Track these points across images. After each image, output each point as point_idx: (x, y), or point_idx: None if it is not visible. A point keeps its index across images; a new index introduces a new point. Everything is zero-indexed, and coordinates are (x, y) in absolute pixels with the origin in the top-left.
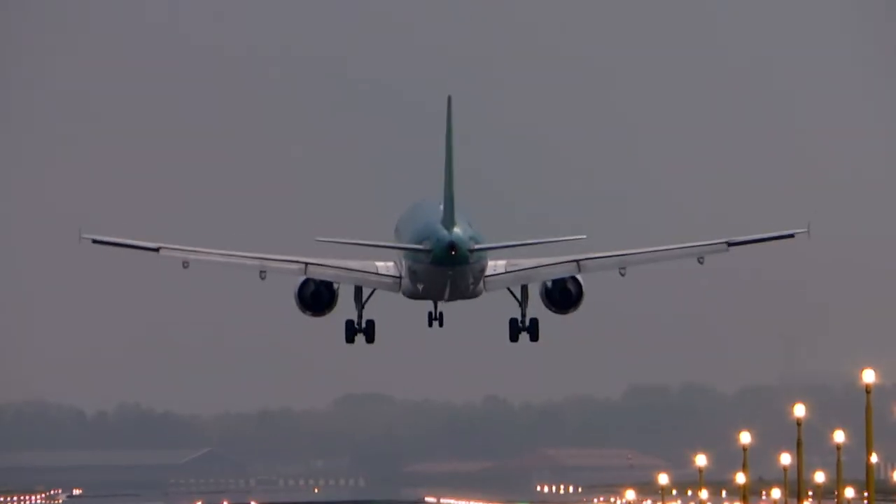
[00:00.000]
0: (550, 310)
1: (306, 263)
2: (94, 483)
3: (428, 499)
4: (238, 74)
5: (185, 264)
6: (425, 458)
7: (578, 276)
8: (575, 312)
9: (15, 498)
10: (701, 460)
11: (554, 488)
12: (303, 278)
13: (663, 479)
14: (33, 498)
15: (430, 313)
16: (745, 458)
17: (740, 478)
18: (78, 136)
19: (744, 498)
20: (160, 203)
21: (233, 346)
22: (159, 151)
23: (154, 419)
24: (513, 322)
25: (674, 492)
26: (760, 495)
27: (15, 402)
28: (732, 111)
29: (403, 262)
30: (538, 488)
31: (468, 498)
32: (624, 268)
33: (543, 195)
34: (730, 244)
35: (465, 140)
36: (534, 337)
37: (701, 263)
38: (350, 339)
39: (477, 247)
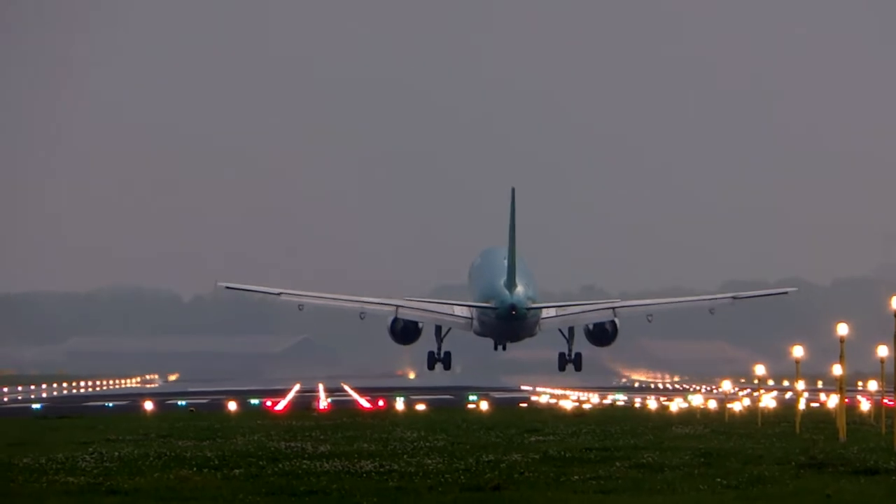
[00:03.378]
0: (592, 344)
1: (397, 306)
2: (189, 369)
3: (524, 387)
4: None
5: (301, 307)
6: (519, 346)
7: (615, 319)
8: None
9: (110, 383)
10: (798, 352)
11: (650, 379)
12: (393, 317)
13: (760, 370)
14: (129, 383)
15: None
16: (841, 351)
17: (837, 370)
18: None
19: (840, 390)
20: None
21: (325, 233)
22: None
23: (250, 305)
24: (561, 355)
25: (770, 382)
26: (857, 387)
27: (110, 287)
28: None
29: (474, 311)
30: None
31: (563, 386)
32: (651, 315)
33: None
34: (735, 298)
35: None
36: (577, 367)
37: (712, 314)
38: (431, 366)
39: (533, 306)
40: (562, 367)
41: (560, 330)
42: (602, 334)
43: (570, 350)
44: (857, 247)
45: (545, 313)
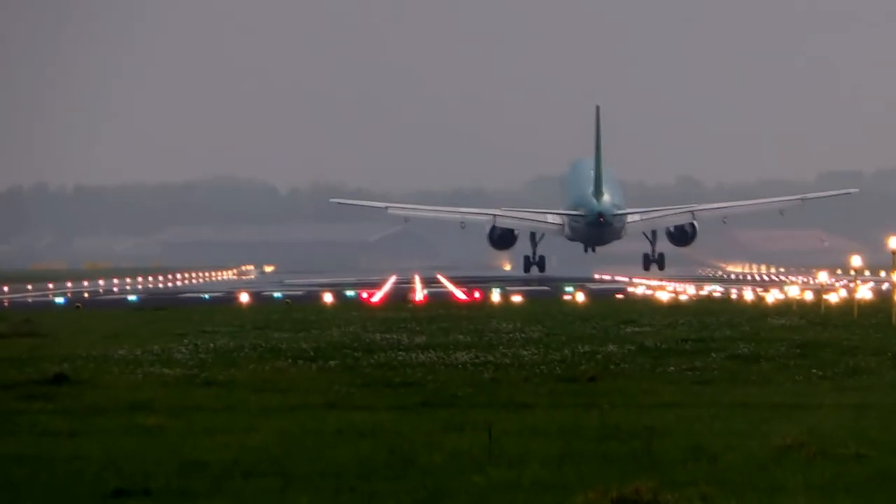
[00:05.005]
0: (673, 245)
1: (495, 215)
2: (286, 259)
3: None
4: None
5: (406, 220)
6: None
7: (694, 222)
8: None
9: (206, 274)
10: (894, 243)
11: (745, 269)
12: (491, 225)
13: (856, 260)
14: (225, 274)
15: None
16: None
17: None
18: None
19: None
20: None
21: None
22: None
23: (346, 195)
24: (645, 256)
25: (867, 273)
26: None
27: (206, 178)
28: None
29: (566, 219)
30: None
31: (660, 277)
32: (726, 217)
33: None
34: (803, 199)
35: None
36: (661, 266)
37: (782, 215)
38: (527, 269)
39: (618, 212)
40: (646, 267)
41: (644, 233)
42: (682, 235)
43: (653, 251)
44: None
45: (630, 218)
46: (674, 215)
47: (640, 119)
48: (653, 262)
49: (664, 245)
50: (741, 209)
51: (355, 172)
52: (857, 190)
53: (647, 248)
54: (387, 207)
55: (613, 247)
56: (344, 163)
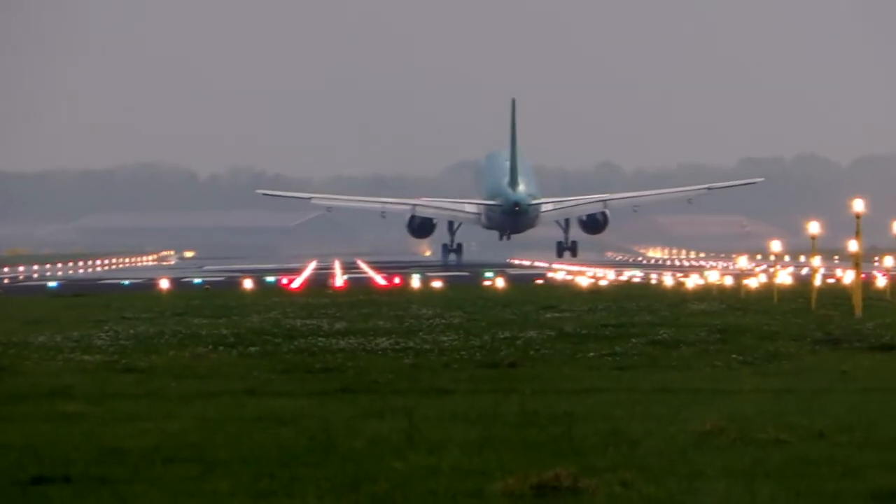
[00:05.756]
0: (585, 233)
1: (414, 205)
2: (206, 245)
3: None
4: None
5: (329, 209)
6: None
7: (606, 211)
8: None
9: (127, 259)
10: (814, 228)
11: (665, 254)
12: (411, 214)
13: (776, 245)
14: (145, 259)
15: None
16: (857, 226)
17: (853, 245)
18: None
19: (856, 265)
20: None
21: (340, 119)
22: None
23: (265, 182)
24: (559, 243)
25: (786, 258)
26: (873, 263)
27: (128, 164)
28: None
29: (482, 208)
30: (650, 255)
31: (579, 263)
32: (636, 206)
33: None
34: (709, 189)
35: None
36: (574, 253)
37: (690, 203)
38: (445, 256)
39: (533, 202)
40: (560, 254)
41: (557, 221)
42: (594, 224)
43: (566, 238)
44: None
45: (544, 207)
46: (586, 204)
47: (560, 105)
48: (566, 250)
49: (577, 233)
50: (650, 198)
51: (274, 159)
52: (762, 179)
53: (561, 236)
54: (310, 198)
55: (528, 234)
56: (263, 149)
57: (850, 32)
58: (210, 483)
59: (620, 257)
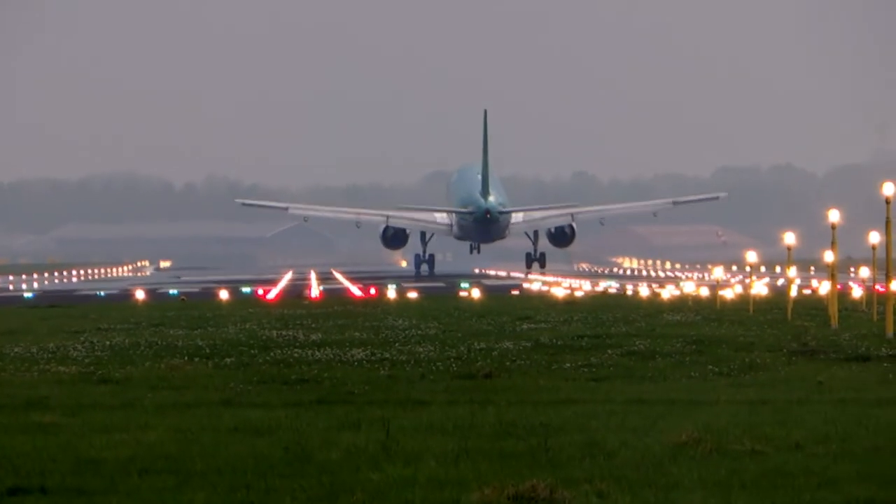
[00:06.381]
0: (553, 245)
1: (388, 216)
2: (181, 255)
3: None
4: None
5: (306, 219)
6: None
7: (573, 224)
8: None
9: (103, 270)
10: (790, 238)
11: (640, 265)
12: (384, 225)
13: (752, 256)
14: (121, 269)
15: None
16: (833, 237)
17: (828, 256)
18: None
19: (832, 276)
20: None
21: (316, 129)
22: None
23: (242, 192)
24: (528, 255)
25: (762, 269)
26: (848, 273)
27: (104, 173)
28: None
29: (454, 217)
30: (626, 265)
31: (555, 273)
32: (603, 219)
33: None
34: (675, 203)
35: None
36: (542, 265)
37: (655, 216)
38: (418, 267)
39: (503, 210)
40: (528, 265)
41: (526, 233)
42: (561, 236)
43: (535, 250)
44: (851, 134)
45: (514, 218)
46: (554, 217)
47: (536, 115)
48: (535, 261)
49: (545, 244)
50: (617, 211)
51: (250, 168)
52: (725, 194)
53: (530, 248)
54: (287, 208)
55: (498, 245)
56: (239, 159)
57: (825, 43)
58: (186, 494)
59: (594, 268)
